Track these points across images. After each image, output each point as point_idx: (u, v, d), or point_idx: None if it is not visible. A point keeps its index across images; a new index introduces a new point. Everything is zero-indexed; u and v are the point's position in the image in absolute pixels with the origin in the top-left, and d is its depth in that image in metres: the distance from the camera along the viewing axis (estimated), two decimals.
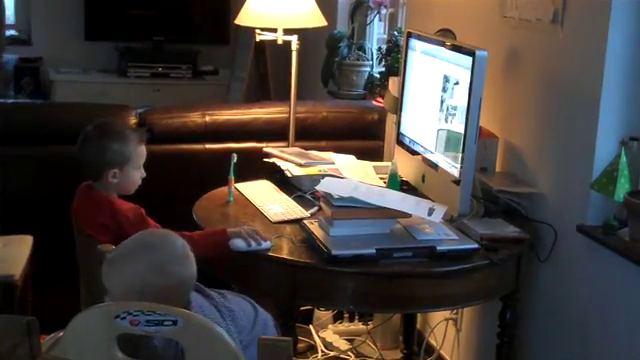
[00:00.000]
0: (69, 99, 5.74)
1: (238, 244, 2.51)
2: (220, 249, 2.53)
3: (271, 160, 3.20)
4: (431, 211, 2.53)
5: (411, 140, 3.02)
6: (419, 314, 3.54)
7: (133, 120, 3.60)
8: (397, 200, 2.59)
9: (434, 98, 2.82)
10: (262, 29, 3.64)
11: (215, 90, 6.54)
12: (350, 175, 3.01)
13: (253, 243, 2.51)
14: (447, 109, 2.70)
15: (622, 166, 2.40)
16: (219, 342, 1.86)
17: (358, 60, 4.66)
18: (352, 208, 2.50)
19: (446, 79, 2.72)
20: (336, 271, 2.41)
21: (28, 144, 3.55)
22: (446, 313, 3.33)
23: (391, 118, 3.65)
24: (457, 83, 2.67)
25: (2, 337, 1.74)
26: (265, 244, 2.51)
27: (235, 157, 2.92)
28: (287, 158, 3.17)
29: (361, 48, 4.70)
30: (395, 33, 4.30)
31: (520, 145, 2.93)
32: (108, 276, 2.04)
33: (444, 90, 2.71)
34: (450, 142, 2.68)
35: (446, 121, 2.71)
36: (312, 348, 3.66)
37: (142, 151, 2.85)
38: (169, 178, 3.44)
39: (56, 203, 2.98)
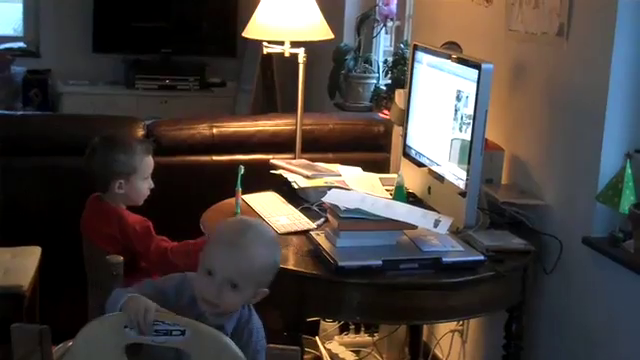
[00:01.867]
0: (77, 111, 5.77)
1: None
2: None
3: (278, 172, 3.21)
4: (437, 223, 2.54)
5: (417, 152, 3.04)
6: (425, 326, 3.54)
7: (141, 132, 3.62)
8: (403, 212, 2.60)
9: (440, 110, 2.84)
10: (269, 42, 3.67)
11: (222, 102, 6.57)
12: (356, 187, 3.03)
13: None
14: (461, 118, 2.70)
15: (627, 178, 2.41)
16: (227, 353, 1.88)
17: (364, 72, 4.68)
18: (358, 220, 2.51)
19: (458, 92, 2.73)
20: (342, 282, 2.42)
21: (37, 155, 3.56)
22: (452, 324, 3.33)
23: (397, 130, 3.67)
24: (464, 97, 2.68)
25: (15, 345, 1.76)
26: None
27: (242, 169, 2.93)
28: (294, 170, 3.19)
29: (367, 61, 4.72)
30: (401, 46, 4.33)
31: (526, 157, 2.94)
32: (220, 256, 1.99)
33: (458, 99, 2.72)
34: (464, 152, 2.68)
35: (460, 130, 2.71)
36: (318, 359, 3.67)
37: (149, 162, 2.87)
38: (176, 190, 3.45)
39: (64, 214, 3.01)
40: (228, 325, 2.02)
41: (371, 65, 4.71)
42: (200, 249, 2.46)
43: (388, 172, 3.59)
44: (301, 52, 3.63)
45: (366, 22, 4.76)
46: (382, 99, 4.38)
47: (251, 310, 2.09)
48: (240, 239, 1.98)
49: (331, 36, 3.77)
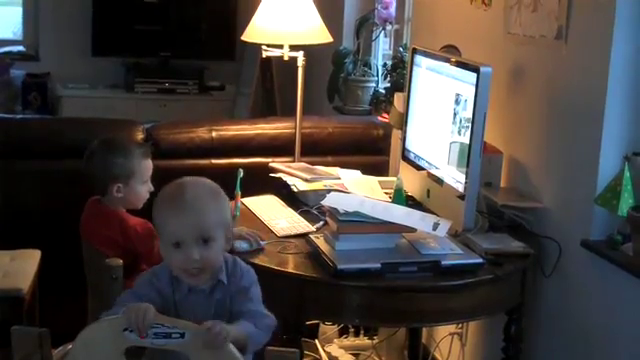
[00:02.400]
0: (76, 114, 5.77)
1: (242, 245, 2.55)
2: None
3: (277, 175, 3.22)
4: (436, 226, 2.55)
5: (416, 155, 3.04)
6: (424, 328, 3.54)
7: (140, 135, 3.62)
8: (402, 215, 2.60)
9: (439, 113, 2.85)
10: (268, 45, 3.67)
11: (221, 106, 6.58)
12: (356, 190, 3.03)
13: (254, 243, 2.58)
14: (460, 121, 2.71)
15: (626, 181, 2.42)
16: (227, 355, 1.88)
17: (364, 76, 4.69)
18: (358, 223, 2.52)
19: (457, 95, 2.74)
20: (342, 285, 2.42)
21: (36, 159, 3.57)
22: (451, 327, 3.34)
23: (396, 134, 3.67)
24: (463, 100, 2.69)
25: (16, 348, 1.77)
26: (262, 243, 2.61)
27: (242, 172, 2.94)
28: (293, 173, 3.19)
29: (367, 64, 4.73)
30: (400, 49, 4.33)
31: (524, 160, 2.95)
32: (178, 222, 1.97)
33: (457, 102, 2.73)
34: (463, 155, 2.69)
35: (459, 133, 2.71)
36: None
37: (147, 165, 2.87)
38: None
39: (64, 217, 3.01)
40: (221, 276, 2.03)
41: (370, 68, 4.72)
42: None
43: (387, 175, 3.60)
44: (300, 55, 3.64)
45: (365, 25, 4.76)
46: (381, 102, 4.38)
47: (233, 258, 2.09)
48: (184, 198, 1.98)
49: (330, 39, 3.78)
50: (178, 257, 1.98)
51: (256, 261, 2.52)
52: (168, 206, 2.00)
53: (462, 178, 2.64)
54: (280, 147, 3.75)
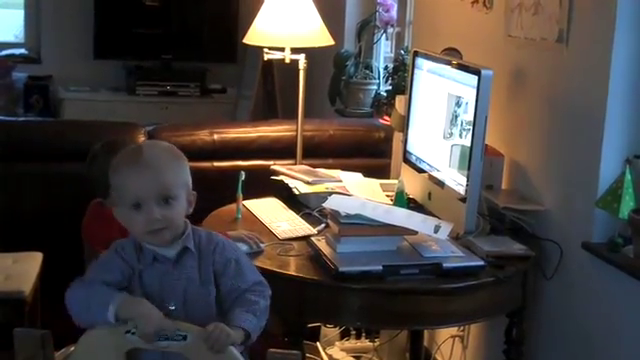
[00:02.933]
0: (78, 117, 5.76)
1: (242, 248, 2.55)
2: None
3: (279, 178, 3.22)
4: (437, 228, 2.55)
5: (418, 158, 3.05)
6: (426, 331, 3.55)
7: (142, 138, 3.63)
8: (403, 217, 2.61)
9: (441, 116, 2.85)
10: (270, 48, 3.68)
11: (223, 108, 6.58)
12: (357, 193, 3.04)
13: (254, 246, 2.59)
14: (461, 124, 2.71)
15: (627, 184, 2.42)
16: (228, 357, 1.89)
17: (365, 79, 4.69)
18: (359, 225, 2.52)
19: (458, 98, 2.74)
20: (343, 287, 2.43)
21: (38, 161, 3.58)
22: (453, 330, 3.34)
23: (398, 136, 3.67)
24: (464, 103, 2.70)
25: (18, 350, 1.77)
26: (262, 246, 2.61)
27: (243, 175, 2.94)
28: (295, 176, 3.20)
29: (368, 67, 4.73)
30: (402, 52, 4.33)
31: (525, 163, 2.95)
32: (138, 181, 1.95)
33: (458, 105, 2.73)
34: (464, 157, 2.69)
35: (460, 136, 2.72)
36: None
37: None
38: None
39: (66, 220, 3.01)
40: (188, 243, 2.00)
41: (371, 71, 4.72)
42: None
43: (388, 178, 3.60)
44: (302, 58, 3.64)
45: (366, 28, 4.77)
46: (382, 105, 4.38)
47: (208, 232, 2.08)
48: (143, 157, 1.97)
49: (331, 42, 3.79)
50: (139, 219, 1.94)
51: (257, 263, 2.52)
52: (127, 166, 1.98)
53: (463, 181, 2.64)
54: (281, 150, 3.75)
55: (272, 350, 1.91)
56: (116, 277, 1.97)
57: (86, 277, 2.00)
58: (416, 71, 3.09)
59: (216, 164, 3.72)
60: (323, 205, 2.71)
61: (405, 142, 3.17)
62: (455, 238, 2.64)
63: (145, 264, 1.99)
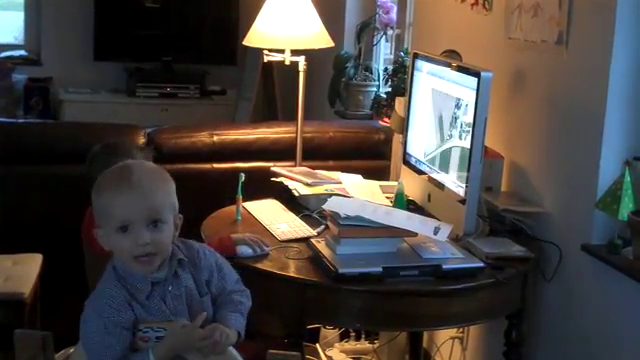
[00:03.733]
0: (78, 119, 5.76)
1: (245, 251, 2.55)
2: (226, 255, 2.57)
3: (279, 179, 3.22)
4: (437, 230, 2.55)
5: (417, 160, 3.05)
6: (425, 333, 3.55)
7: (142, 140, 3.63)
8: (403, 219, 2.61)
9: (440, 118, 2.85)
10: (270, 50, 3.68)
11: (223, 110, 6.58)
12: (357, 194, 3.04)
13: (258, 249, 2.58)
14: (461, 126, 2.71)
15: (626, 185, 2.42)
16: (228, 358, 1.89)
17: (365, 80, 4.70)
18: (359, 227, 2.52)
19: (458, 100, 2.75)
20: (343, 289, 2.43)
21: (38, 163, 3.57)
22: (452, 332, 3.34)
23: (397, 138, 3.67)
24: (464, 105, 2.70)
25: (18, 351, 1.78)
26: (267, 249, 2.60)
27: (243, 176, 2.94)
28: (294, 177, 3.20)
29: (368, 69, 4.74)
30: (401, 54, 4.34)
31: (525, 165, 2.95)
32: (126, 203, 1.86)
33: (458, 107, 2.73)
34: (464, 159, 2.69)
35: (460, 138, 2.72)
36: None
37: None
38: (177, 197, 3.45)
39: (65, 221, 3.01)
40: (175, 258, 1.95)
41: (371, 73, 4.73)
42: (225, 245, 2.46)
43: (388, 180, 3.60)
44: (301, 60, 3.64)
45: (366, 30, 4.77)
46: (382, 107, 4.39)
47: (182, 242, 2.02)
48: (132, 179, 1.88)
49: (331, 44, 3.79)
50: (126, 243, 1.86)
51: (257, 265, 2.53)
52: (114, 187, 1.88)
53: (463, 182, 2.64)
54: (281, 151, 3.75)
55: (272, 351, 1.91)
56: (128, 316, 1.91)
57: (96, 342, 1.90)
58: (416, 73, 3.09)
59: (216, 166, 3.72)
60: (323, 207, 2.71)
61: (405, 144, 3.17)
62: (455, 240, 2.64)
63: (145, 292, 1.92)
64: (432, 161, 2.92)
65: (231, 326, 1.94)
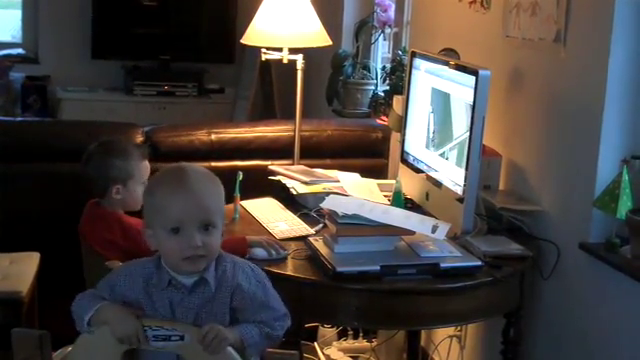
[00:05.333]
0: (76, 117, 5.77)
1: (260, 253, 2.54)
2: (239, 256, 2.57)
3: (276, 178, 3.22)
4: (435, 228, 2.56)
5: (415, 158, 3.05)
6: (423, 331, 3.55)
7: (139, 138, 3.63)
8: (401, 218, 2.61)
9: (438, 116, 2.85)
10: (268, 48, 3.68)
11: (221, 108, 6.58)
12: (355, 193, 3.04)
13: (273, 252, 2.56)
14: (459, 125, 2.71)
15: (624, 184, 2.42)
16: (226, 357, 1.89)
17: (363, 79, 4.69)
18: (356, 225, 2.52)
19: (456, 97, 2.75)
20: (340, 288, 2.43)
21: (36, 161, 3.57)
22: (450, 330, 3.34)
23: (395, 136, 3.68)
24: (464, 103, 2.70)
25: (16, 350, 1.77)
26: (283, 253, 2.58)
27: (241, 175, 2.94)
28: (292, 176, 3.20)
29: (366, 67, 4.73)
30: (399, 52, 4.33)
31: (523, 163, 2.95)
32: (181, 205, 1.90)
33: (455, 105, 2.73)
34: (462, 158, 2.69)
35: (458, 136, 2.72)
36: None
37: (145, 166, 2.88)
38: None
39: (63, 220, 3.01)
40: (208, 276, 1.95)
41: (369, 71, 4.72)
42: (237, 245, 2.46)
43: (386, 178, 3.60)
44: (299, 59, 3.64)
45: (364, 29, 4.77)
46: (380, 105, 4.38)
47: (233, 259, 2.03)
48: (189, 180, 1.92)
49: (329, 43, 3.79)
50: (176, 244, 1.90)
51: (255, 264, 2.53)
52: (170, 189, 1.92)
53: (461, 181, 2.64)
54: (279, 150, 3.75)
55: (270, 350, 1.91)
56: (115, 298, 1.97)
57: (97, 287, 2.01)
58: (414, 71, 3.09)
59: (214, 164, 3.71)
60: (321, 205, 2.72)
61: (403, 142, 3.17)
62: (452, 238, 2.64)
63: (159, 287, 1.95)
64: (430, 159, 2.92)
65: (235, 330, 1.93)
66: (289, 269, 2.51)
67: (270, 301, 2.01)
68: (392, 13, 4.58)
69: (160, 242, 1.94)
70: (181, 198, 1.90)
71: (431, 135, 2.92)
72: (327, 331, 3.81)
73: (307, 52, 3.68)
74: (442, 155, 2.82)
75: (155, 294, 1.95)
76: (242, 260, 2.06)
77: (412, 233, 2.57)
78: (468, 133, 2.61)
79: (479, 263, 2.52)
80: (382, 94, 4.49)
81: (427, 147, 2.95)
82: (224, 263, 2.00)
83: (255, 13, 3.72)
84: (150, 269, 1.98)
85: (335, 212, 2.56)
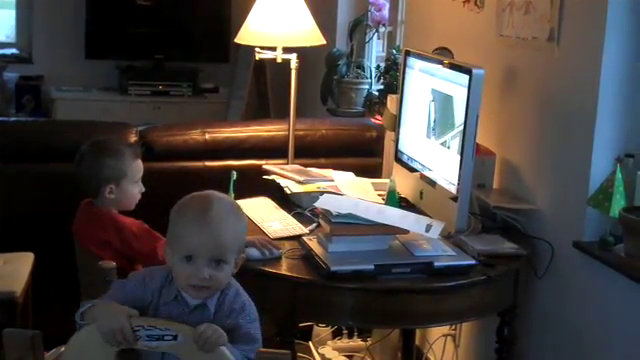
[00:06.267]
0: (70, 117, 5.75)
1: (253, 254, 2.54)
2: None
3: (271, 177, 3.22)
4: (429, 227, 2.56)
5: (409, 157, 3.05)
6: (418, 330, 3.55)
7: (133, 138, 3.62)
8: (395, 217, 2.61)
9: (432, 115, 2.85)
10: (262, 47, 3.68)
11: (215, 108, 6.57)
12: (349, 192, 3.04)
13: (267, 252, 2.56)
14: (453, 123, 2.71)
15: (617, 182, 2.42)
16: (220, 357, 1.88)
17: (357, 78, 4.69)
18: (351, 225, 2.52)
19: (450, 97, 2.75)
20: (335, 287, 2.43)
21: (30, 162, 3.56)
22: (444, 329, 3.34)
23: (389, 135, 3.68)
24: (457, 102, 2.70)
25: (8, 350, 1.77)
26: (277, 252, 2.57)
27: (235, 174, 2.94)
28: (286, 175, 3.20)
29: (360, 66, 4.73)
30: (393, 51, 4.33)
31: (517, 162, 2.95)
32: (197, 237, 1.95)
33: (449, 104, 2.73)
34: (455, 157, 2.69)
35: (452, 135, 2.72)
36: None
37: (138, 166, 2.88)
38: (169, 196, 3.41)
39: (57, 220, 3.01)
40: (210, 302, 2.00)
41: (363, 71, 4.72)
42: None
43: (380, 177, 3.60)
44: (293, 58, 3.64)
45: (358, 28, 4.76)
46: (374, 104, 4.38)
47: (237, 285, 2.06)
48: (209, 214, 1.95)
49: (323, 42, 3.79)
50: (186, 270, 1.96)
51: (249, 264, 2.52)
52: (191, 219, 1.97)
53: (455, 180, 2.64)
54: (273, 149, 3.75)
55: (261, 350, 1.91)
56: (126, 295, 2.00)
57: (107, 294, 2.04)
58: (408, 70, 3.09)
59: (208, 164, 3.71)
60: (315, 204, 2.72)
61: (397, 141, 3.17)
62: (446, 237, 2.64)
63: (165, 299, 2.01)
64: (424, 158, 2.92)
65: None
66: (283, 268, 2.51)
67: (258, 337, 2.04)
68: (386, 12, 4.58)
69: (173, 264, 2.00)
70: (198, 231, 1.95)
71: (425, 134, 2.92)
72: (322, 330, 3.81)
73: (301, 51, 3.68)
74: (435, 154, 2.82)
75: (162, 302, 2.01)
76: (243, 292, 2.08)
77: (406, 232, 2.57)
78: (462, 132, 2.60)
79: (473, 262, 2.52)
80: (376, 93, 4.49)
81: (427, 136, 2.94)
82: (227, 291, 2.04)
83: (249, 12, 3.72)
84: (167, 278, 2.03)
85: (329, 211, 2.56)
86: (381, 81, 4.36)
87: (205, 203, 1.99)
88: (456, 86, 2.67)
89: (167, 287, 2.02)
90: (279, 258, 2.56)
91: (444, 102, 2.78)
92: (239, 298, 2.04)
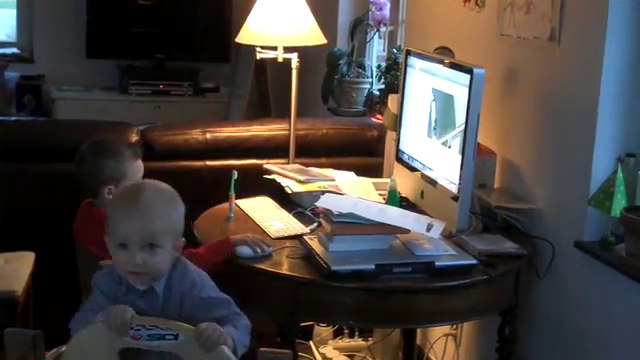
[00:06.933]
0: (71, 117, 5.76)
1: (245, 251, 2.54)
2: (225, 257, 2.56)
3: (271, 177, 3.22)
4: (430, 227, 2.55)
5: (410, 157, 3.05)
6: (419, 330, 3.55)
7: (134, 137, 3.62)
8: (396, 216, 2.61)
9: (433, 115, 2.85)
10: (262, 47, 3.67)
11: (216, 107, 6.57)
12: (350, 192, 3.03)
13: (259, 250, 2.55)
14: (454, 123, 2.71)
15: (618, 182, 2.42)
16: (220, 357, 1.88)
17: (358, 77, 4.69)
18: (351, 224, 2.52)
19: (451, 97, 2.74)
20: (336, 286, 2.43)
21: (30, 161, 3.56)
22: (445, 329, 3.34)
23: (390, 135, 3.67)
24: (457, 101, 2.70)
25: (9, 350, 1.77)
26: (268, 250, 2.58)
27: (236, 174, 2.94)
28: (287, 175, 3.19)
29: (361, 66, 4.73)
30: (394, 51, 4.34)
31: (518, 162, 2.95)
32: (128, 223, 1.99)
33: (450, 104, 2.73)
34: (456, 156, 2.69)
35: (453, 135, 2.72)
36: None
37: (138, 166, 2.87)
38: None
39: (58, 220, 3.00)
40: (157, 286, 2.04)
41: (364, 70, 4.72)
42: (222, 246, 2.51)
43: (381, 177, 3.60)
44: (294, 57, 3.64)
45: (359, 27, 4.77)
46: (375, 104, 4.38)
47: (185, 265, 2.09)
48: (139, 200, 2.00)
49: (324, 41, 3.78)
50: (123, 258, 2.00)
51: (250, 263, 2.53)
52: (121, 207, 2.03)
53: (456, 179, 2.64)
54: (274, 149, 3.75)
55: (263, 349, 1.90)
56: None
57: (77, 314, 2.07)
58: (409, 70, 3.09)
59: (209, 163, 3.71)
60: (316, 204, 2.71)
61: (398, 141, 3.17)
62: (447, 237, 2.64)
63: (122, 292, 2.05)
64: (425, 158, 2.92)
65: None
66: (284, 268, 2.50)
67: (223, 296, 2.07)
68: (387, 11, 4.58)
69: (112, 252, 2.05)
70: (128, 218, 2.00)
71: (426, 134, 2.92)
72: (323, 330, 3.81)
73: (302, 51, 3.68)
74: (436, 154, 2.82)
75: (120, 298, 2.04)
76: (194, 269, 2.11)
77: (407, 232, 2.57)
78: (463, 131, 2.60)
79: (474, 261, 2.52)
80: (377, 93, 4.49)
81: (428, 136, 2.94)
82: (173, 274, 2.07)
83: (250, 12, 3.72)
84: (110, 280, 2.09)
85: (330, 211, 2.56)
86: (382, 81, 4.36)
87: (135, 191, 2.05)
88: (457, 86, 2.67)
89: (120, 282, 2.06)
90: (270, 255, 2.57)
91: (445, 102, 2.78)
92: (187, 277, 2.07)
